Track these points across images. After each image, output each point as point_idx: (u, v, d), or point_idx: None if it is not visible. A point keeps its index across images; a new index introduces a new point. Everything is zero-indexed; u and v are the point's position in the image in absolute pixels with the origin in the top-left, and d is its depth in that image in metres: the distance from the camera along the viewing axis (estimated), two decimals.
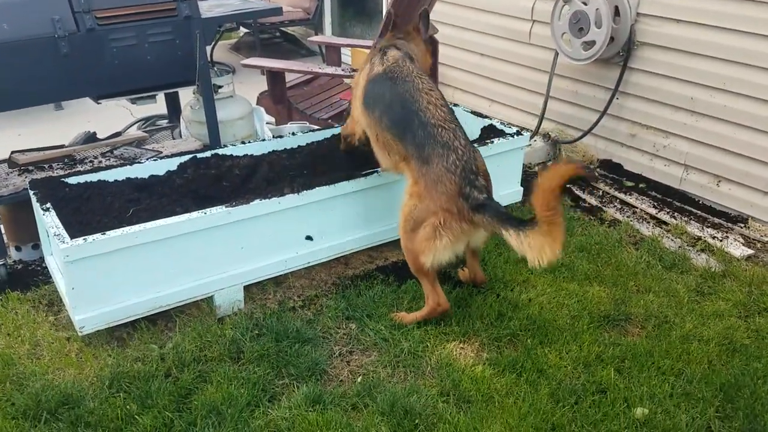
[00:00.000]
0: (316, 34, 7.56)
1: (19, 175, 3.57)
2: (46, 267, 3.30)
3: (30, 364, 2.77)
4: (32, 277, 3.40)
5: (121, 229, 2.74)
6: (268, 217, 3.04)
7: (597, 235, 3.73)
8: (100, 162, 3.76)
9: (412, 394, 2.56)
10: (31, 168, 3.63)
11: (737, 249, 3.64)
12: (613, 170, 4.56)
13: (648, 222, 3.97)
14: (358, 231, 3.36)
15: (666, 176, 4.33)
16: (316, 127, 4.43)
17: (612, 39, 4.22)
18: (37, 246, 3.50)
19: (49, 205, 2.97)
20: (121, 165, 3.45)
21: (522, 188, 3.94)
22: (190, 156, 3.53)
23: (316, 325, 2.98)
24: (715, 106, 3.93)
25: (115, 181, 3.33)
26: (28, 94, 3.30)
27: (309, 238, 3.21)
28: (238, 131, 4.14)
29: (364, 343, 2.90)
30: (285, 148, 3.78)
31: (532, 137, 4.74)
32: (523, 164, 3.98)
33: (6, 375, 2.69)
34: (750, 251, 3.63)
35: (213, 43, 6.88)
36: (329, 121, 4.88)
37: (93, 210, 3.07)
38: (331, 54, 5.74)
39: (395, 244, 3.23)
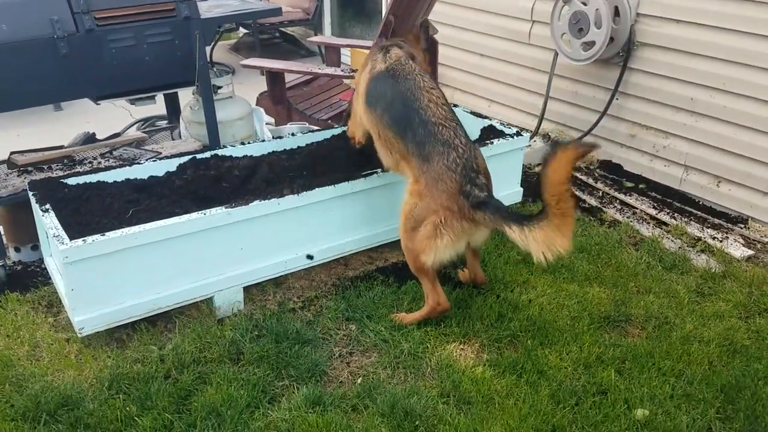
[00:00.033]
0: (316, 35, 7.56)
1: (18, 175, 3.57)
2: (46, 268, 3.29)
3: (29, 365, 2.76)
4: (31, 278, 3.39)
5: (121, 230, 2.74)
6: (267, 218, 3.03)
7: (597, 236, 3.72)
8: (100, 163, 3.75)
9: (413, 396, 2.55)
10: (30, 169, 3.63)
11: (737, 250, 3.63)
12: (612, 171, 4.56)
13: (648, 223, 3.96)
14: (358, 232, 3.35)
15: (666, 177, 4.32)
16: (316, 127, 4.42)
17: (612, 39, 4.22)
18: (36, 247, 3.50)
19: (48, 206, 2.97)
20: (121, 166, 3.45)
21: (522, 189, 3.94)
22: (190, 157, 3.53)
23: (315, 326, 2.98)
24: (715, 106, 3.93)
25: (115, 182, 3.33)
26: (27, 95, 3.30)
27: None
28: (237, 132, 4.14)
29: (364, 345, 2.89)
30: (284, 149, 3.78)
31: (531, 138, 4.74)
32: (523, 165, 3.98)
33: (5, 376, 2.68)
34: (750, 252, 3.63)
35: (212, 43, 6.89)
36: (329, 121, 4.88)
37: (92, 211, 3.06)
38: (331, 54, 5.73)
39: (395, 245, 3.23)
